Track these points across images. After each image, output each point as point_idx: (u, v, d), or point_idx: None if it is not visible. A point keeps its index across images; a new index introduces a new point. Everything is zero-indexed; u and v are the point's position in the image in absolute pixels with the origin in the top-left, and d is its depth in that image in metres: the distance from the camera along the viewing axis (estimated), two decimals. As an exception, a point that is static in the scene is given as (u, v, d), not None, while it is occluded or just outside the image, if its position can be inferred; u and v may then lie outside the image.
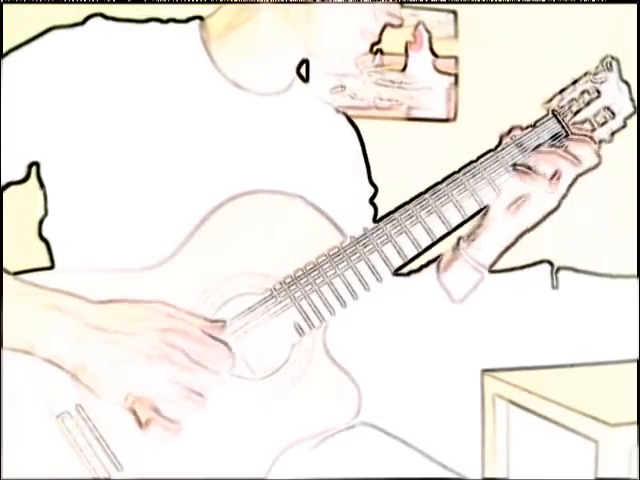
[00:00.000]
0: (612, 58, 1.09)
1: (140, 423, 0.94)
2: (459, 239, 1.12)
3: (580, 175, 1.07)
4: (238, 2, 1.05)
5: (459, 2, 1.70)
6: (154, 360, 0.93)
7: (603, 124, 1.09)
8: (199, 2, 1.20)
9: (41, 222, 1.05)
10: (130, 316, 0.94)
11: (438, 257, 1.15)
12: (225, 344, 0.97)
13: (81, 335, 0.93)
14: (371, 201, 1.17)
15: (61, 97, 0.99)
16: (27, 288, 0.95)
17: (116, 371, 0.93)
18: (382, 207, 1.15)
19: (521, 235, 1.10)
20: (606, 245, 1.76)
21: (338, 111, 1.18)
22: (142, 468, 0.96)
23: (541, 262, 1.76)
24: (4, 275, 0.96)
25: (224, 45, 1.06)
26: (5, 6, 1.15)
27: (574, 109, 1.08)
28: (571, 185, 1.08)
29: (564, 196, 1.08)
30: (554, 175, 1.06)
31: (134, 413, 0.94)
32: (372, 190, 1.18)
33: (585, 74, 1.09)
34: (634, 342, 1.64)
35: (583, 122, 1.08)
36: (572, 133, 1.08)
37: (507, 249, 1.12)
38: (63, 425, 0.94)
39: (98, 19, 1.03)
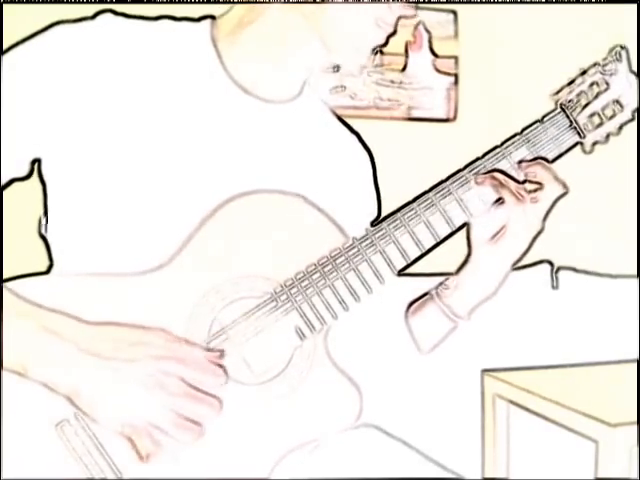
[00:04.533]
0: (621, 48, 1.07)
1: (140, 455, 0.94)
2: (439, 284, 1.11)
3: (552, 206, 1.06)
4: (249, 2, 1.05)
5: (459, 2, 1.70)
6: (151, 388, 0.93)
7: (612, 117, 1.08)
8: (209, 2, 1.20)
9: (40, 220, 1.05)
10: (127, 341, 0.94)
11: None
12: (224, 371, 0.97)
13: (76, 360, 0.92)
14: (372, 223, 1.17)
15: (66, 93, 0.98)
16: (24, 307, 0.94)
17: (112, 398, 0.93)
18: (382, 208, 1.15)
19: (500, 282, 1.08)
20: (606, 245, 1.76)
21: (345, 123, 1.17)
22: (142, 474, 0.95)
23: (541, 262, 1.76)
24: (4, 291, 0.96)
25: (234, 44, 1.05)
26: (5, 6, 1.15)
27: (583, 102, 1.07)
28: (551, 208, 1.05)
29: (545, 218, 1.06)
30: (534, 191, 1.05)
31: (132, 443, 0.94)
32: (376, 197, 1.17)
33: (594, 65, 1.08)
34: (634, 342, 1.64)
35: (591, 116, 1.07)
36: (580, 128, 1.07)
37: (487, 298, 1.09)
38: (62, 433, 0.94)
39: (108, 15, 1.03)
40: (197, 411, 0.94)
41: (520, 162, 1.05)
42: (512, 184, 1.04)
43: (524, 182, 1.05)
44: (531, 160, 1.05)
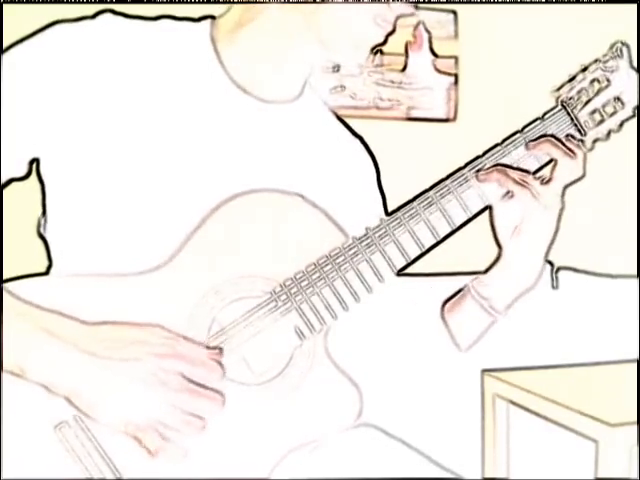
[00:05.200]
0: (622, 44, 1.07)
1: (148, 451, 0.94)
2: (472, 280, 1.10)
3: (567, 186, 1.06)
4: (247, 2, 1.05)
5: (459, 2, 1.70)
6: (151, 386, 0.92)
7: (612, 114, 1.07)
8: (208, 2, 1.20)
9: (39, 220, 1.05)
10: (125, 340, 0.94)
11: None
12: (221, 366, 0.97)
13: (74, 361, 0.92)
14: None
15: (65, 92, 0.98)
16: (21, 307, 0.94)
17: (112, 397, 0.93)
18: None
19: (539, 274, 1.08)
20: (606, 245, 1.76)
21: (347, 126, 1.16)
22: (142, 474, 0.95)
23: (541, 262, 1.76)
24: (3, 292, 0.95)
25: (233, 44, 1.05)
26: (5, 6, 1.15)
27: (584, 99, 1.06)
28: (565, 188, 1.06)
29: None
30: (546, 175, 1.05)
31: (139, 442, 0.94)
32: (380, 198, 1.16)
33: (595, 61, 1.08)
34: (634, 342, 1.64)
35: (592, 113, 1.07)
36: (581, 126, 1.07)
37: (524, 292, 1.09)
38: (61, 435, 0.94)
39: (108, 15, 1.03)
40: (199, 406, 0.94)
41: (528, 142, 1.05)
42: (515, 174, 1.03)
43: (536, 172, 1.05)
44: (539, 137, 1.05)
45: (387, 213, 1.14)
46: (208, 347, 0.97)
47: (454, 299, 1.12)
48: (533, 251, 1.07)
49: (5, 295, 0.94)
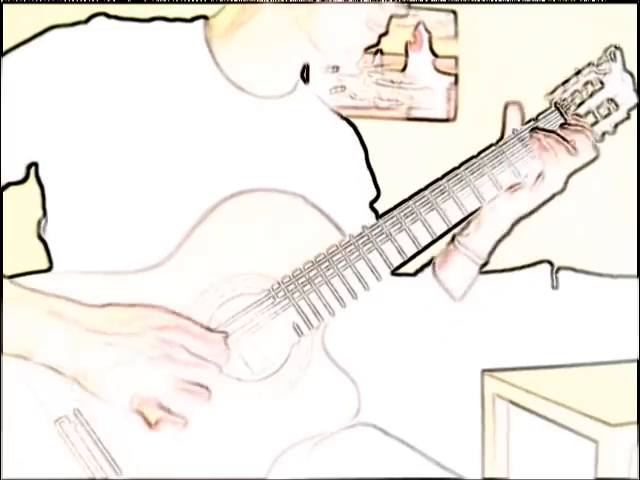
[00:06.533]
0: (616, 48, 1.08)
1: (149, 424, 0.94)
2: (453, 235, 1.11)
3: (577, 170, 1.07)
4: (242, 2, 1.05)
5: (459, 2, 1.71)
6: (156, 359, 0.93)
7: (606, 116, 1.08)
8: (202, 2, 1.20)
9: (39, 222, 1.05)
10: (128, 317, 0.94)
11: (432, 259, 1.14)
12: (223, 337, 0.97)
13: (80, 340, 0.92)
14: (371, 205, 1.17)
15: (62, 96, 0.98)
16: (25, 293, 0.94)
17: (118, 374, 0.93)
18: (382, 207, 1.15)
19: (516, 222, 1.09)
20: (606, 245, 1.77)
21: (340, 115, 1.17)
22: (141, 471, 0.96)
23: (541, 262, 1.77)
24: (3, 279, 0.96)
25: (227, 44, 1.05)
26: (5, 6, 1.15)
27: (577, 101, 1.07)
28: (569, 177, 1.07)
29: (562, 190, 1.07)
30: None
31: (141, 414, 0.94)
32: (374, 193, 1.17)
33: (588, 64, 1.08)
34: (634, 342, 1.64)
35: (586, 114, 1.07)
36: (570, 124, 1.07)
37: (502, 238, 1.10)
38: (61, 429, 0.94)
39: (101, 18, 1.03)
40: (203, 376, 0.95)
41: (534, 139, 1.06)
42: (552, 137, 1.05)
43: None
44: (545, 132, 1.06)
45: (377, 215, 1.14)
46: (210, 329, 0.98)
47: (441, 256, 1.13)
48: (517, 209, 1.08)
49: (7, 283, 0.95)
